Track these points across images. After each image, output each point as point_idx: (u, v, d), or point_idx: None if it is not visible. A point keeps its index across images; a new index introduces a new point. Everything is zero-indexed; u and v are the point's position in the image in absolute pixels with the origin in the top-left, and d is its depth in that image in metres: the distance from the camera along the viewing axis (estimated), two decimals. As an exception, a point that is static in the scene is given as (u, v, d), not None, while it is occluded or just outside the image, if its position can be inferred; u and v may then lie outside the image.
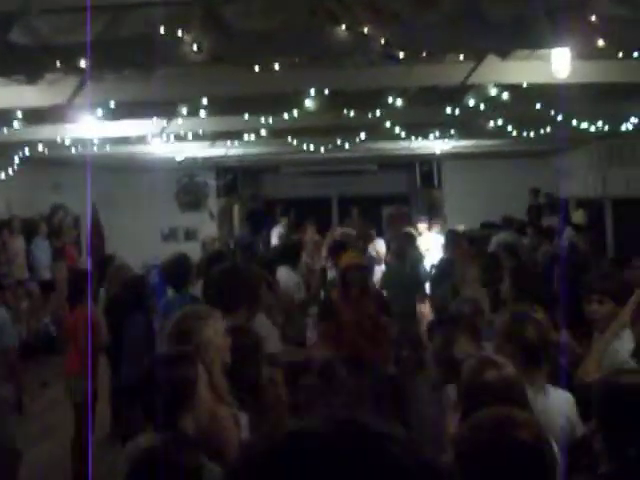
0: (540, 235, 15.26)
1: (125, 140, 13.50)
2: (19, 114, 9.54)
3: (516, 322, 4.89)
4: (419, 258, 13.22)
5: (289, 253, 10.65)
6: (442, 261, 12.17)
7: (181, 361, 3.87)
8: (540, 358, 4.70)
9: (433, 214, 22.45)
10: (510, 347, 4.68)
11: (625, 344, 5.26)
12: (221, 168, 22.04)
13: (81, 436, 8.15)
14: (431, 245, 15.73)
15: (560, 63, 7.05)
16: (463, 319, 5.99)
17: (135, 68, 8.21)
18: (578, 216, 17.30)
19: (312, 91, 9.25)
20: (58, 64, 7.05)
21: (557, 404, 4.54)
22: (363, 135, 14.41)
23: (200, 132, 12.78)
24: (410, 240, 13.56)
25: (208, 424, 3.88)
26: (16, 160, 14.45)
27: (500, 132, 14.10)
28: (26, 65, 7.41)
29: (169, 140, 13.50)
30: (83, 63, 6.82)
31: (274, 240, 18.09)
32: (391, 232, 17.19)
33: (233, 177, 22.57)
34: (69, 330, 8.94)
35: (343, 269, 8.58)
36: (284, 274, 9.85)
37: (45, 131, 11.66)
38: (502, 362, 3.99)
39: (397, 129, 13.46)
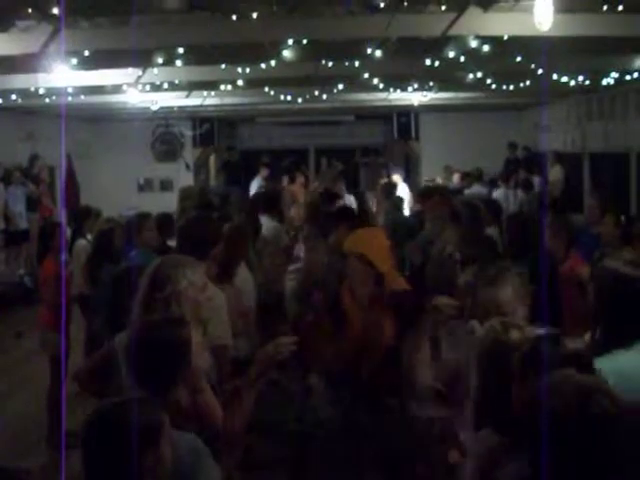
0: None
1: (100, 89, 13.29)
2: (-10, 62, 9.36)
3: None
4: (397, 208, 13.20)
5: (268, 202, 10.50)
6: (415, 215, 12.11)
7: (174, 326, 3.73)
8: None
9: (410, 166, 22.54)
10: None
11: None
12: (197, 118, 21.84)
13: (55, 388, 8.11)
14: (406, 196, 15.91)
15: (543, 15, 6.94)
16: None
17: (110, 16, 8.04)
18: (555, 172, 17.27)
19: (290, 41, 9.10)
20: (30, 11, 6.88)
21: None
22: (341, 86, 14.29)
23: (176, 82, 12.61)
24: (388, 190, 13.53)
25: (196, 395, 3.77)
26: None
27: (479, 85, 14.01)
28: (-3, 12, 7.23)
29: (145, 90, 13.32)
30: (56, 10, 6.66)
31: (253, 191, 17.84)
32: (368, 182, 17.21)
33: (209, 127, 22.34)
34: (41, 282, 8.86)
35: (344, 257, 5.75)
36: (265, 223, 9.76)
37: (18, 80, 11.44)
38: None
39: (375, 80, 13.34)
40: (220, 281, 5.74)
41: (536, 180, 16.87)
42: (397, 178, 17.55)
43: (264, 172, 18.64)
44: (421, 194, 11.25)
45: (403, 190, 16.85)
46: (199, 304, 4.38)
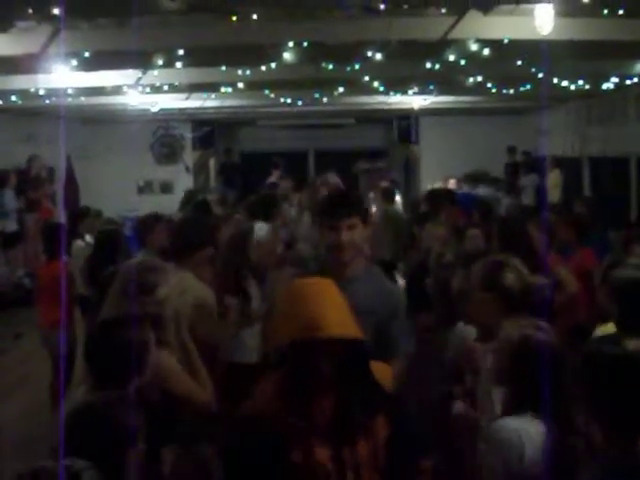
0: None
1: (100, 91, 13.29)
2: (-10, 63, 9.35)
3: (494, 269, 4.67)
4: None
5: (260, 206, 10.44)
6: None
7: (133, 324, 3.75)
8: (520, 305, 4.53)
9: (409, 169, 22.52)
10: (489, 296, 4.50)
11: None
12: (197, 120, 21.81)
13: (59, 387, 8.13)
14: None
15: (543, 19, 6.96)
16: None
17: (110, 17, 8.04)
18: (554, 176, 17.27)
19: (290, 43, 9.10)
20: (30, 11, 6.88)
21: None
22: (341, 89, 14.30)
23: (176, 83, 12.61)
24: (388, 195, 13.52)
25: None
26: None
27: (479, 89, 14.02)
28: (-3, 12, 7.23)
29: (144, 91, 13.32)
30: (57, 11, 6.65)
31: None
32: (367, 188, 17.10)
33: (209, 130, 22.34)
34: (44, 283, 8.84)
35: None
36: (261, 228, 9.71)
37: (18, 81, 11.44)
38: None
39: (376, 83, 13.35)
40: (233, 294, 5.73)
41: (534, 181, 17.03)
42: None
43: (276, 174, 18.49)
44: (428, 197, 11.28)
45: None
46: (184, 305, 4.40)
